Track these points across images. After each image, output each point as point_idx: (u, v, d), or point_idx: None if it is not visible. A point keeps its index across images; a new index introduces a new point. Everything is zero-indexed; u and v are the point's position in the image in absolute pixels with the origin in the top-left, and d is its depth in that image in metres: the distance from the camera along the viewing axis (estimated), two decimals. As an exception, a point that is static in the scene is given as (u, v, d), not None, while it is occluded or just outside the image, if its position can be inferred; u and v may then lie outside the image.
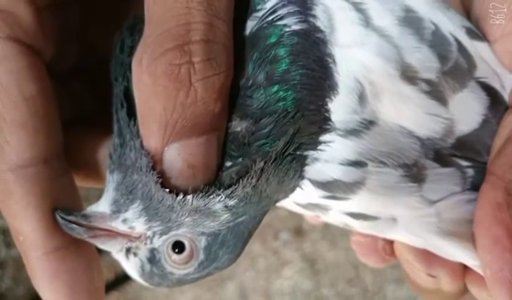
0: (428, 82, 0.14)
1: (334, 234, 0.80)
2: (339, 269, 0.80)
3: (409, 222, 0.15)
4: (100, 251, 0.17)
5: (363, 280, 0.80)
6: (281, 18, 0.14)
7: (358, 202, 0.15)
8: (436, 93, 0.14)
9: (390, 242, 0.18)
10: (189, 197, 0.14)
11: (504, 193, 0.13)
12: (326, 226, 0.81)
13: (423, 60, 0.14)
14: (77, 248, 0.15)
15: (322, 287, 0.80)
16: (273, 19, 0.14)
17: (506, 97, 0.15)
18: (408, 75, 0.14)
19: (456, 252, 0.16)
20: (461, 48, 0.14)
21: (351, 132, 0.14)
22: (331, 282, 0.80)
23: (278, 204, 0.16)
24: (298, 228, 0.82)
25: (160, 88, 0.13)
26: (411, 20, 0.14)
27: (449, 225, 0.15)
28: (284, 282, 0.80)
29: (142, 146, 0.14)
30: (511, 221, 0.13)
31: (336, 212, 0.16)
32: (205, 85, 0.13)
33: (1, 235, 0.80)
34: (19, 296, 0.77)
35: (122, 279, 0.77)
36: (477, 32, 0.15)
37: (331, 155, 0.14)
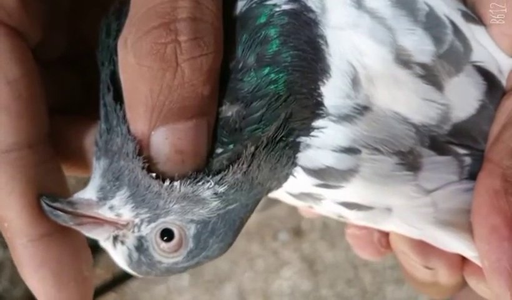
0: (422, 65, 0.14)
1: (333, 235, 0.80)
2: (338, 269, 0.80)
3: (404, 212, 0.15)
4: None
5: (362, 281, 0.79)
6: None
7: (351, 190, 0.15)
8: (431, 77, 0.14)
9: (386, 234, 0.18)
10: (176, 183, 0.13)
11: (501, 180, 0.13)
12: (325, 226, 0.80)
13: (417, 43, 0.14)
14: (64, 236, 0.14)
15: (321, 288, 0.80)
16: None
17: (503, 81, 0.15)
18: (402, 58, 0.14)
19: (453, 243, 0.15)
20: (457, 31, 0.14)
21: (345, 118, 0.14)
22: (330, 282, 0.80)
23: (275, 199, 0.16)
24: (297, 228, 0.81)
25: (145, 68, 0.12)
26: (404, 2, 0.14)
27: (446, 215, 0.15)
28: (283, 283, 0.80)
29: (128, 131, 0.13)
30: (509, 209, 0.13)
31: (329, 202, 0.15)
32: (192, 66, 0.12)
33: (-2, 236, 0.79)
34: (17, 297, 0.77)
35: (120, 279, 0.76)
36: (473, 15, 0.15)
37: (323, 142, 0.14)
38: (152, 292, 0.78)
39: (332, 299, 0.79)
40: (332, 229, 0.79)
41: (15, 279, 0.78)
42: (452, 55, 0.14)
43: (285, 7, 0.13)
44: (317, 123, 0.14)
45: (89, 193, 0.15)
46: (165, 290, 0.78)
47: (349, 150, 0.14)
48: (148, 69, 0.12)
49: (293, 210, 0.80)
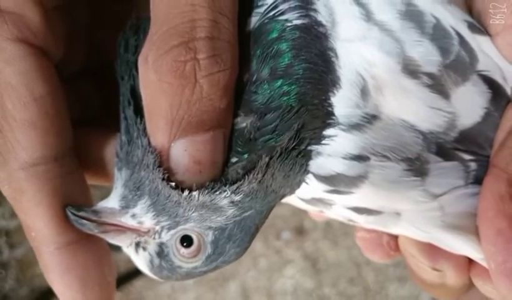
0: (429, 75, 0.14)
1: (335, 233, 0.80)
2: (341, 268, 0.80)
3: (413, 216, 0.15)
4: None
5: (365, 279, 0.80)
6: (282, 13, 0.14)
7: (361, 196, 0.15)
8: (438, 86, 0.14)
9: (395, 238, 0.18)
10: (195, 193, 0.14)
11: (506, 185, 0.13)
12: (328, 225, 0.81)
13: (425, 54, 0.14)
14: (88, 243, 0.15)
15: (324, 286, 0.80)
16: (274, 14, 0.14)
17: (508, 90, 0.15)
18: (410, 69, 0.14)
19: (461, 246, 0.16)
20: (463, 41, 0.14)
21: (354, 127, 0.14)
22: (332, 281, 0.80)
23: (282, 200, 0.17)
24: (300, 227, 0.82)
25: (166, 85, 0.13)
26: (412, 14, 0.14)
27: (453, 218, 0.15)
28: (286, 281, 0.80)
29: (149, 143, 0.14)
30: None
31: (340, 207, 0.16)
32: (210, 81, 0.13)
33: (4, 237, 0.80)
34: (22, 297, 0.78)
35: (125, 279, 0.77)
36: (479, 26, 0.15)
37: (334, 150, 0.15)
38: (156, 290, 0.79)
39: (335, 297, 0.79)
40: (335, 228, 0.80)
41: (21, 278, 0.79)
42: (459, 65, 0.14)
43: (296, 22, 0.14)
44: (328, 132, 0.14)
45: (112, 202, 0.15)
46: (170, 289, 0.79)
47: (359, 158, 0.14)
48: (169, 85, 0.13)
49: (296, 209, 0.80)
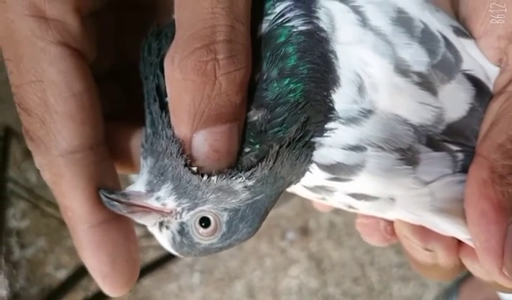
0: (419, 74, 0.16)
1: (339, 234, 0.81)
2: (345, 267, 0.81)
3: (406, 201, 0.17)
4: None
5: (369, 279, 0.80)
6: (289, 20, 0.16)
7: (359, 183, 0.17)
8: (426, 84, 0.16)
9: (391, 223, 0.20)
10: (213, 177, 0.16)
11: (489, 171, 0.15)
12: (332, 226, 0.82)
13: (414, 55, 0.16)
14: (118, 223, 0.17)
15: (328, 286, 0.81)
16: (282, 21, 0.16)
17: (490, 87, 0.17)
18: (401, 68, 0.16)
19: (449, 227, 0.17)
20: (448, 44, 0.16)
21: (352, 120, 0.16)
22: (337, 281, 0.81)
23: (288, 190, 0.18)
24: (305, 228, 0.83)
25: (190, 82, 0.14)
26: (402, 20, 0.16)
27: (442, 203, 0.16)
28: (291, 281, 0.81)
29: (172, 134, 0.16)
30: (495, 196, 0.14)
31: (340, 194, 0.17)
32: (228, 79, 0.14)
33: (15, 237, 0.82)
34: (33, 296, 0.79)
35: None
36: (464, 30, 0.17)
37: (334, 141, 0.16)
38: (163, 289, 0.80)
39: (339, 297, 0.80)
40: (339, 229, 0.81)
41: (32, 278, 0.80)
42: (445, 65, 0.16)
43: (301, 28, 0.16)
44: (329, 125, 0.16)
45: (139, 186, 0.17)
46: (177, 288, 0.80)
47: (357, 148, 0.16)
48: (192, 82, 0.14)
49: (301, 210, 0.81)
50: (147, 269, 0.75)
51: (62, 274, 0.78)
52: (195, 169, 0.16)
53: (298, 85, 0.16)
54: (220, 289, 0.80)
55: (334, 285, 0.81)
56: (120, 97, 0.20)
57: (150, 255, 0.72)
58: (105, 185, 0.17)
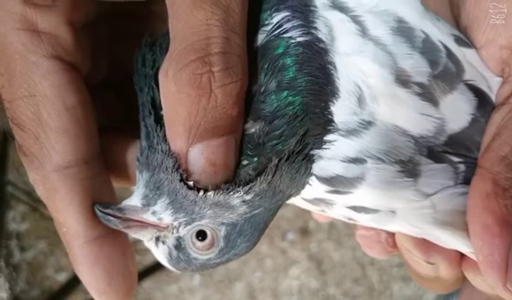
0: (420, 85, 0.15)
1: (340, 234, 0.81)
2: (345, 268, 0.81)
3: (407, 214, 0.17)
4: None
5: (370, 279, 0.80)
6: (287, 31, 0.16)
7: (359, 196, 0.16)
8: (427, 95, 0.15)
9: (392, 235, 0.20)
10: (210, 193, 0.15)
11: (492, 184, 0.14)
12: (332, 226, 0.82)
13: (415, 66, 0.15)
14: (114, 238, 0.17)
15: (329, 286, 0.81)
16: (279, 32, 0.16)
17: (492, 97, 0.16)
18: (402, 79, 0.15)
19: (451, 240, 0.17)
20: (450, 54, 0.16)
21: (352, 132, 0.16)
22: (337, 281, 0.81)
23: (287, 201, 0.18)
24: (305, 228, 0.83)
25: (185, 95, 0.14)
26: (403, 30, 0.15)
27: (444, 216, 0.16)
28: (291, 282, 0.81)
29: (168, 148, 0.15)
30: (499, 209, 0.14)
31: (340, 206, 0.17)
32: (224, 91, 0.14)
33: (15, 240, 0.82)
34: (33, 298, 0.79)
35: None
36: (465, 39, 0.16)
37: (334, 153, 0.16)
38: (164, 291, 0.80)
39: (340, 297, 0.80)
40: (339, 229, 0.81)
41: (32, 280, 0.80)
42: (446, 75, 0.16)
43: (299, 39, 0.15)
44: (328, 137, 0.16)
45: (135, 200, 0.17)
46: (177, 290, 0.80)
47: (356, 160, 0.16)
48: (187, 95, 0.14)
49: (301, 211, 0.81)
50: (148, 271, 0.75)
51: (62, 277, 0.78)
52: (191, 183, 0.15)
53: (297, 97, 0.15)
54: (221, 291, 0.80)
55: (335, 285, 0.81)
56: (116, 107, 0.19)
57: (151, 257, 0.71)
58: (100, 199, 0.16)
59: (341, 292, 0.80)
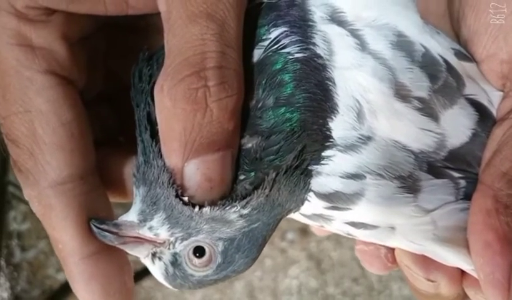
0: (420, 99, 0.15)
1: (339, 234, 0.81)
2: (345, 267, 0.81)
3: (406, 230, 0.16)
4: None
5: (369, 279, 0.80)
6: (285, 47, 0.15)
7: (358, 212, 0.16)
8: (427, 110, 0.15)
9: (392, 250, 0.19)
10: (206, 209, 0.15)
11: (493, 200, 0.14)
12: (332, 226, 0.82)
13: (415, 80, 0.15)
14: (110, 254, 0.16)
15: (328, 286, 0.81)
16: (277, 47, 0.15)
17: (493, 112, 0.16)
18: (402, 93, 0.15)
19: (452, 258, 0.17)
20: (450, 68, 0.15)
21: (350, 147, 0.15)
22: (337, 280, 0.81)
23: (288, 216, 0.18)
24: (304, 228, 0.83)
25: (180, 110, 0.14)
26: (402, 44, 0.15)
27: (445, 232, 0.16)
28: (291, 281, 0.81)
29: (164, 163, 0.15)
30: (500, 226, 0.14)
31: (339, 222, 0.17)
32: (220, 106, 0.14)
33: (16, 239, 0.82)
34: (34, 298, 0.80)
35: (133, 280, 0.78)
36: (466, 53, 0.16)
37: (332, 169, 0.16)
38: (164, 291, 0.80)
39: (339, 296, 0.80)
40: (339, 228, 0.81)
41: (33, 280, 0.81)
42: (447, 90, 0.15)
43: (297, 55, 0.15)
44: (326, 153, 0.16)
45: (131, 216, 0.17)
46: (178, 290, 0.80)
47: (355, 176, 0.16)
48: (182, 110, 0.14)
49: (301, 210, 0.81)
50: (148, 271, 0.75)
51: (63, 276, 0.78)
52: (186, 199, 0.15)
53: (294, 114, 0.15)
54: (220, 290, 0.80)
55: (334, 285, 0.81)
56: (112, 121, 0.19)
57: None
58: (96, 215, 0.16)
59: (340, 292, 0.81)
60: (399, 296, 0.79)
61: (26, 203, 0.17)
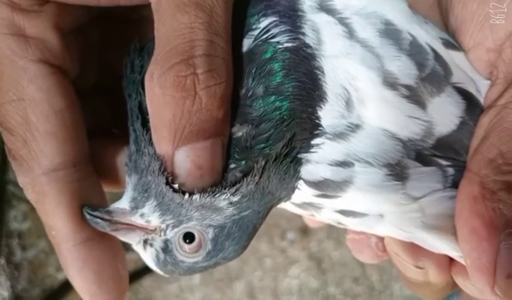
0: (407, 87, 0.15)
1: (339, 233, 0.81)
2: (345, 267, 0.81)
3: (395, 218, 0.17)
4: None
5: (369, 279, 0.80)
6: (274, 36, 0.16)
7: (347, 199, 0.16)
8: (415, 97, 0.15)
9: (382, 239, 0.19)
10: (195, 196, 0.15)
11: (479, 187, 0.14)
12: (332, 226, 0.81)
13: (403, 68, 0.15)
14: (103, 240, 0.17)
15: (329, 286, 0.81)
16: (267, 37, 0.16)
17: (481, 100, 0.16)
18: (389, 81, 0.15)
19: (440, 244, 0.17)
20: (437, 56, 0.16)
21: (339, 135, 0.16)
22: (337, 280, 0.81)
23: (279, 206, 0.18)
24: (304, 228, 0.83)
25: (169, 97, 0.14)
26: (390, 32, 0.15)
27: (432, 219, 0.16)
28: (291, 281, 0.81)
29: (154, 152, 0.15)
30: (486, 212, 0.14)
31: (328, 210, 0.17)
32: (208, 93, 0.14)
33: (16, 239, 0.82)
34: (34, 297, 0.80)
35: (133, 278, 0.79)
36: (454, 42, 0.16)
37: (321, 157, 0.16)
38: (164, 290, 0.80)
39: (340, 296, 0.80)
40: (338, 228, 0.81)
41: (33, 279, 0.81)
42: (434, 78, 0.15)
43: (287, 44, 0.15)
44: (315, 141, 0.16)
45: (123, 203, 0.17)
46: (177, 288, 0.80)
47: (344, 164, 0.16)
48: (171, 97, 0.14)
49: (300, 210, 0.81)
50: (148, 270, 0.75)
51: (63, 275, 0.78)
52: (176, 186, 0.15)
53: (284, 103, 0.15)
54: (221, 290, 0.80)
55: (335, 285, 0.81)
56: (106, 112, 0.19)
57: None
58: (89, 202, 0.16)
59: (341, 292, 0.80)
60: (400, 296, 0.78)
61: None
